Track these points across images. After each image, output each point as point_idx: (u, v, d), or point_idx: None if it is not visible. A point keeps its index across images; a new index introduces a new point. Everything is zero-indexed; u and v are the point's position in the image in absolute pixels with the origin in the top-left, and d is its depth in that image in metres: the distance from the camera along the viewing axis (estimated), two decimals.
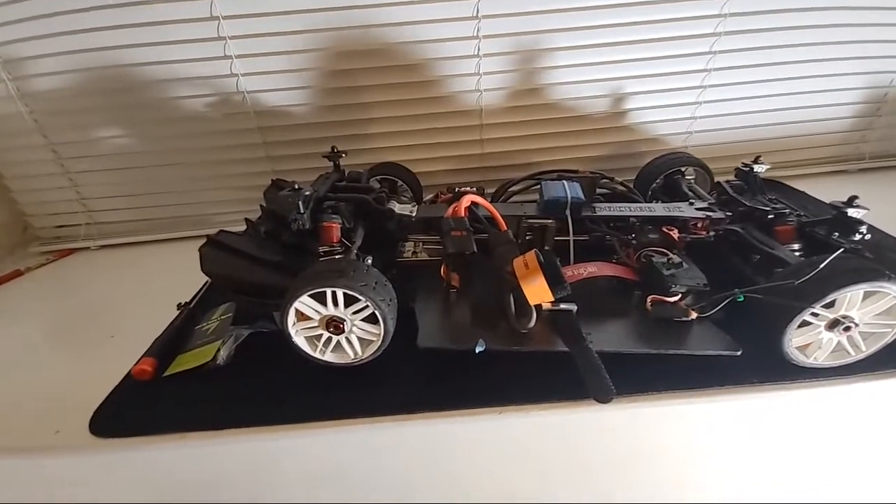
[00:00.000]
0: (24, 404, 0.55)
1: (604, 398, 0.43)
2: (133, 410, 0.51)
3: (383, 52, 0.81)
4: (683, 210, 0.63)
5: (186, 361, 0.55)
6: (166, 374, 0.55)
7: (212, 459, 0.49)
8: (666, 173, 0.78)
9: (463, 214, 0.59)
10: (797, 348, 0.47)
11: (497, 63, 0.83)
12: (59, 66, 0.81)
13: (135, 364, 0.55)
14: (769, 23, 0.82)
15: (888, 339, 0.47)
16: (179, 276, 0.69)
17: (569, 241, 0.62)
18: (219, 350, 0.55)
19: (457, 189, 0.72)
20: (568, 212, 0.62)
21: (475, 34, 0.80)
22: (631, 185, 0.79)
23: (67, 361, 0.63)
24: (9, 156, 0.90)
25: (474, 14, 0.78)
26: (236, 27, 0.77)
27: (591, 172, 0.76)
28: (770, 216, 0.59)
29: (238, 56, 0.80)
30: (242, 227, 0.64)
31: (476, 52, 0.81)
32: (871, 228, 0.55)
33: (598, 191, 0.76)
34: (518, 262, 0.49)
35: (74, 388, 0.55)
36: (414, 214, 0.64)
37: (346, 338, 0.50)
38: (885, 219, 0.67)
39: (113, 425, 0.50)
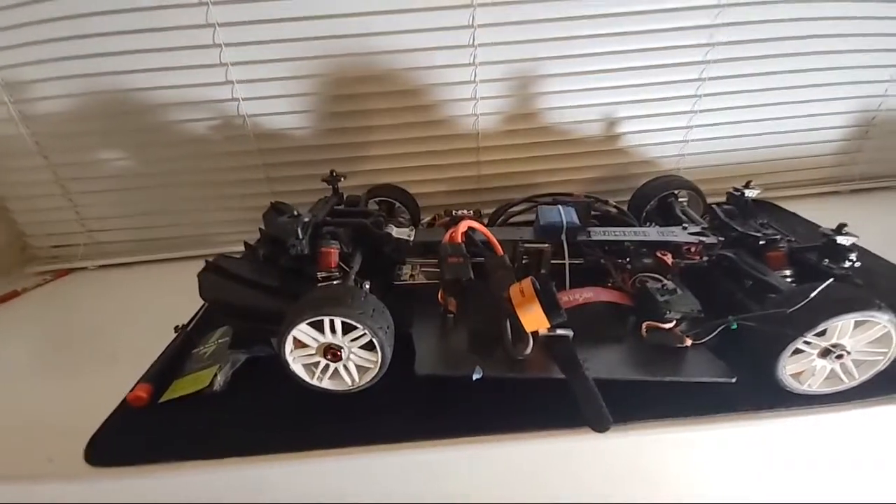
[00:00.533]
0: (18, 430, 0.55)
1: (601, 428, 0.43)
2: (129, 438, 0.51)
3: (382, 78, 0.83)
4: (677, 234, 0.64)
5: (183, 387, 0.55)
6: (162, 400, 0.55)
7: (208, 489, 0.49)
8: (659, 196, 0.79)
9: (460, 240, 0.60)
10: (791, 375, 0.48)
11: (493, 89, 0.85)
12: (61, 90, 0.82)
13: (130, 390, 0.55)
14: (757, 50, 0.84)
15: (880, 367, 0.47)
16: (177, 297, 0.69)
17: (565, 265, 0.62)
18: (216, 375, 0.55)
19: (454, 212, 0.73)
20: (563, 236, 0.63)
21: (471, 62, 0.81)
22: (625, 208, 0.80)
23: (63, 385, 0.62)
24: (9, 176, 0.90)
25: (471, 42, 0.80)
26: (237, 54, 0.79)
27: (586, 196, 0.77)
28: (761, 242, 0.60)
29: (239, 81, 0.81)
30: (241, 249, 0.64)
31: (472, 79, 0.83)
32: (861, 253, 0.56)
33: (592, 213, 0.77)
34: (514, 290, 0.49)
35: (69, 414, 0.55)
36: (411, 238, 0.65)
37: (344, 365, 0.50)
38: (874, 240, 0.68)
39: (108, 454, 0.49)
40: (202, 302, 0.68)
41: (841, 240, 0.54)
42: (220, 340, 0.62)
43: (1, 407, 0.59)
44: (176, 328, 0.66)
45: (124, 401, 0.54)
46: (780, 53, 0.85)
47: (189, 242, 0.96)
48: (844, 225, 0.55)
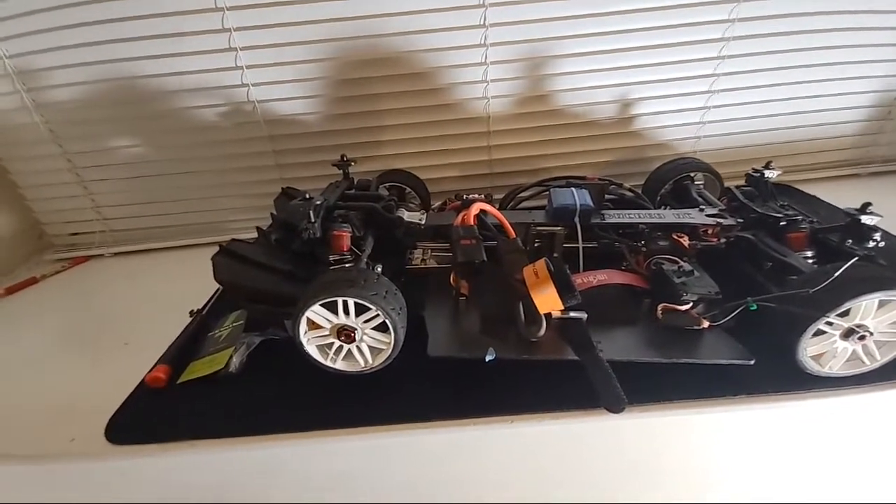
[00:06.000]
0: (40, 412, 0.56)
1: (616, 408, 0.43)
2: (148, 418, 0.52)
3: (391, 60, 0.82)
4: (693, 216, 0.63)
5: (199, 369, 0.56)
6: (180, 381, 0.55)
7: (225, 467, 0.50)
8: (675, 179, 0.78)
9: (472, 222, 0.59)
10: (811, 357, 0.47)
11: (504, 70, 0.83)
12: (74, 77, 0.82)
13: (149, 371, 0.56)
14: (777, 27, 0.82)
15: None
16: (192, 282, 0.70)
17: (578, 248, 0.62)
18: (231, 357, 0.55)
19: (465, 196, 0.72)
20: (577, 219, 0.62)
21: (482, 42, 0.80)
22: (639, 191, 0.79)
23: (82, 368, 0.64)
24: (25, 165, 0.91)
25: (482, 23, 0.78)
26: (247, 39, 0.79)
27: (600, 179, 0.75)
28: (782, 223, 0.59)
29: (249, 66, 0.81)
30: (253, 235, 0.64)
31: (483, 60, 0.82)
32: (883, 235, 0.54)
33: (607, 197, 0.76)
34: (528, 271, 0.49)
35: (89, 396, 0.56)
36: (423, 222, 0.65)
37: (357, 346, 0.50)
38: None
39: (128, 433, 0.50)
40: (216, 287, 0.69)
41: (865, 219, 0.52)
42: (234, 324, 0.62)
43: (23, 390, 0.60)
44: (191, 312, 0.67)
45: (143, 382, 0.55)
46: (799, 30, 0.82)
47: (202, 229, 0.97)
48: (869, 204, 0.53)
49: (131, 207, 0.96)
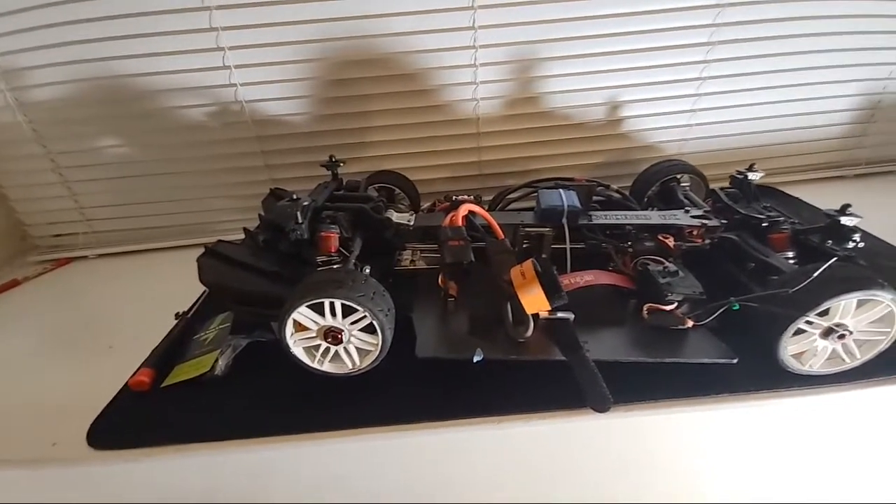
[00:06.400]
0: (21, 416, 0.55)
1: (601, 407, 0.44)
2: (131, 422, 0.51)
3: (381, 61, 0.82)
4: (679, 218, 0.64)
5: (184, 372, 0.55)
6: (164, 384, 0.55)
7: (210, 471, 0.49)
8: (661, 181, 0.79)
9: (460, 223, 0.59)
10: (792, 356, 0.48)
11: (494, 72, 0.84)
12: (57, 76, 0.81)
13: (132, 375, 0.55)
14: (762, 31, 0.83)
15: (882, 347, 0.47)
16: (177, 284, 0.70)
17: (565, 249, 0.62)
18: (217, 360, 0.55)
19: (454, 197, 0.72)
20: (565, 220, 0.63)
21: (472, 44, 0.80)
22: (627, 193, 0.79)
23: (65, 372, 0.62)
24: (7, 165, 0.90)
25: (471, 24, 0.79)
26: (234, 38, 0.78)
27: (588, 180, 0.76)
28: (764, 224, 0.60)
29: (236, 66, 0.80)
30: (241, 237, 0.64)
31: (473, 62, 0.82)
32: (864, 235, 0.56)
33: (594, 198, 0.77)
34: (515, 272, 0.49)
35: (72, 399, 0.55)
36: (411, 223, 0.65)
37: (345, 348, 0.50)
38: (879, 224, 0.67)
39: (111, 437, 0.49)
40: (202, 289, 0.68)
41: (844, 220, 0.53)
42: (220, 326, 0.62)
43: (4, 393, 0.59)
44: (177, 315, 0.66)
45: (126, 385, 0.55)
46: (784, 35, 0.84)
47: (188, 231, 0.96)
48: (848, 205, 0.54)
49: (116, 208, 0.94)
